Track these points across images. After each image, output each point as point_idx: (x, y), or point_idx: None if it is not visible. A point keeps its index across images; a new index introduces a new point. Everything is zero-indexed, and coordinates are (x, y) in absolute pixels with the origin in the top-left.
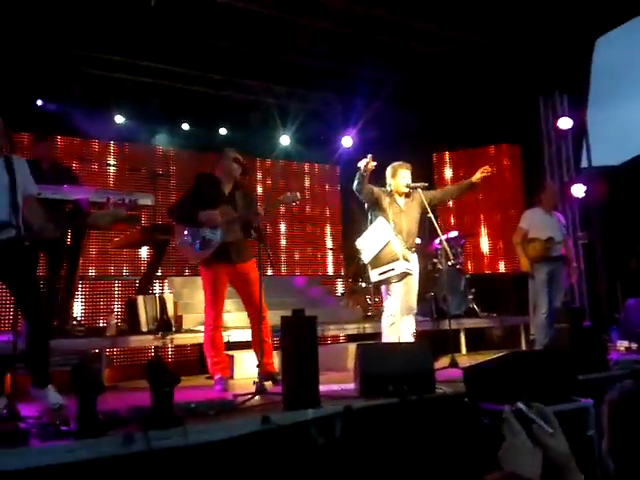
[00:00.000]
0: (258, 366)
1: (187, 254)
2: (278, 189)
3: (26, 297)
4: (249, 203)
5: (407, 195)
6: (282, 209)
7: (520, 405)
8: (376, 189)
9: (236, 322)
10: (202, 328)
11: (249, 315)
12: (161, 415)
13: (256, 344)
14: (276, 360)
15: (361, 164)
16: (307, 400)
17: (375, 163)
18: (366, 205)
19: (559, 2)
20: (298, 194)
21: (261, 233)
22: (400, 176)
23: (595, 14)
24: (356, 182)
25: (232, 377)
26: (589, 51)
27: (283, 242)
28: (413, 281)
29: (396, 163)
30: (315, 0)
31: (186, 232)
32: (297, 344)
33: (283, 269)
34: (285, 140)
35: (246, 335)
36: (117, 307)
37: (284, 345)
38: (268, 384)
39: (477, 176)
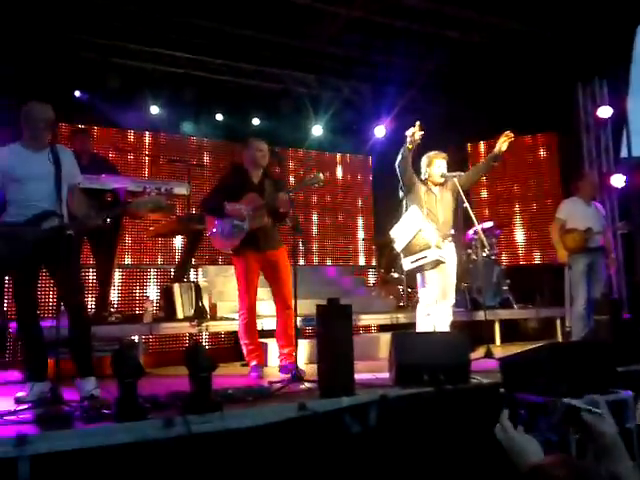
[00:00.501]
0: (280, 358)
1: (217, 244)
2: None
3: (67, 286)
4: (278, 190)
5: (442, 184)
6: (314, 199)
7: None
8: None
9: (269, 310)
10: (236, 316)
11: (276, 304)
12: (200, 400)
13: (279, 334)
14: (305, 350)
15: (408, 132)
16: (342, 388)
17: (422, 132)
18: (401, 194)
19: None
20: (321, 175)
21: (296, 223)
22: (436, 165)
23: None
24: (400, 156)
25: (266, 364)
26: (630, 37)
27: (315, 231)
28: (449, 270)
29: (432, 152)
30: None
31: (216, 222)
32: (332, 332)
33: (315, 259)
34: (317, 130)
35: (274, 324)
36: (153, 295)
37: (319, 333)
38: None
39: (499, 145)
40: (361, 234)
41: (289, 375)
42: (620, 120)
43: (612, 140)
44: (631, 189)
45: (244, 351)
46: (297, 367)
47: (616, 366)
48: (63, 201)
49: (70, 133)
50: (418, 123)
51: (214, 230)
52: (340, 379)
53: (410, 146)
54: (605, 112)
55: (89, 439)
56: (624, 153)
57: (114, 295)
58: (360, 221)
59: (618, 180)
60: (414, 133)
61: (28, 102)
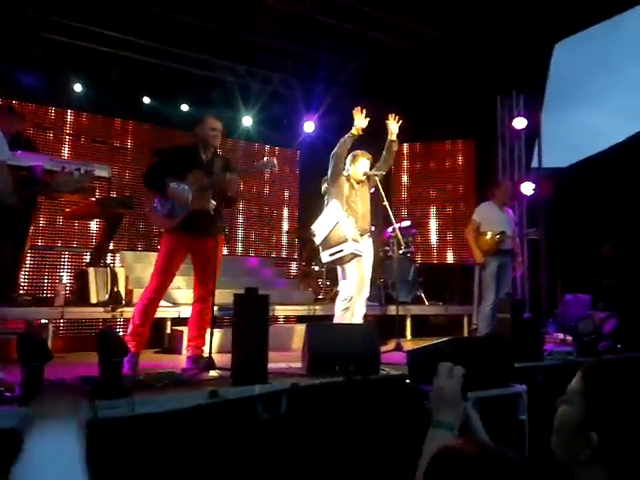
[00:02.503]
0: (188, 349)
1: (155, 221)
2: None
3: None
4: (227, 171)
5: (362, 181)
6: (241, 188)
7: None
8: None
9: (188, 299)
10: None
11: (195, 292)
12: (109, 385)
13: (192, 325)
14: (219, 339)
15: (360, 122)
16: (255, 376)
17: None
18: (323, 188)
19: (521, 4)
20: (275, 160)
21: (218, 208)
22: (360, 163)
23: (555, 18)
24: (340, 143)
25: (180, 353)
26: (548, 54)
27: (240, 221)
28: (365, 264)
29: (358, 151)
30: None
31: (156, 200)
32: (248, 321)
33: (239, 248)
34: (247, 120)
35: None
36: (65, 279)
37: (235, 322)
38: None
39: (390, 129)
40: (285, 226)
41: (195, 365)
42: (534, 132)
43: (525, 151)
44: (539, 197)
45: (129, 331)
46: (210, 355)
47: (514, 362)
48: None
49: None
50: (360, 108)
51: (154, 206)
52: (253, 367)
53: (355, 132)
54: (520, 123)
55: None
56: (535, 163)
57: (24, 277)
58: (285, 213)
59: (528, 188)
60: (359, 116)
61: None
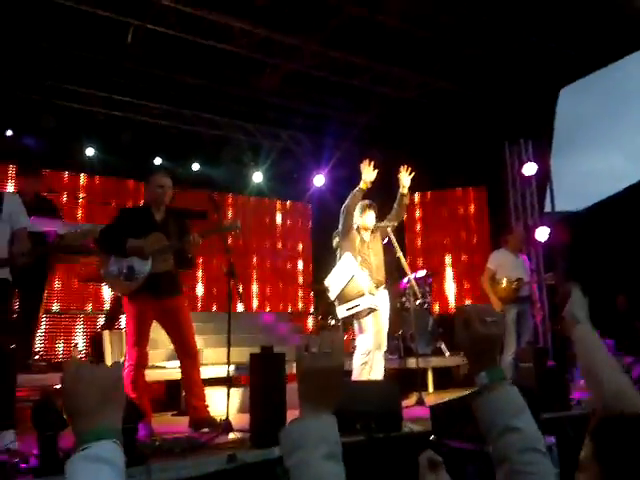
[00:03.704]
0: (188, 411)
1: (113, 286)
2: (251, 225)
3: None
4: (183, 231)
5: (372, 232)
6: (255, 244)
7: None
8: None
9: (205, 359)
10: (169, 364)
11: (178, 354)
12: (125, 453)
13: (186, 386)
14: (237, 398)
15: (368, 176)
16: (274, 438)
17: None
18: (334, 242)
19: (526, 53)
20: (239, 222)
21: (231, 268)
22: (368, 214)
23: (560, 65)
24: (351, 197)
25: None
26: (553, 100)
27: (255, 276)
28: (382, 318)
29: (364, 202)
30: (288, 43)
31: (111, 261)
32: (265, 381)
33: (254, 303)
34: (257, 177)
35: (209, 372)
36: (80, 343)
37: (252, 382)
38: (205, 430)
39: (402, 182)
40: (300, 280)
41: (201, 431)
42: (544, 177)
43: (537, 195)
44: (555, 242)
45: None
46: (227, 418)
47: (540, 412)
48: None
49: (19, 170)
50: (368, 160)
51: (110, 269)
52: (272, 429)
53: (364, 186)
54: (530, 169)
55: None
56: (548, 208)
57: (39, 342)
58: (300, 266)
59: (542, 233)
60: (368, 169)
61: None
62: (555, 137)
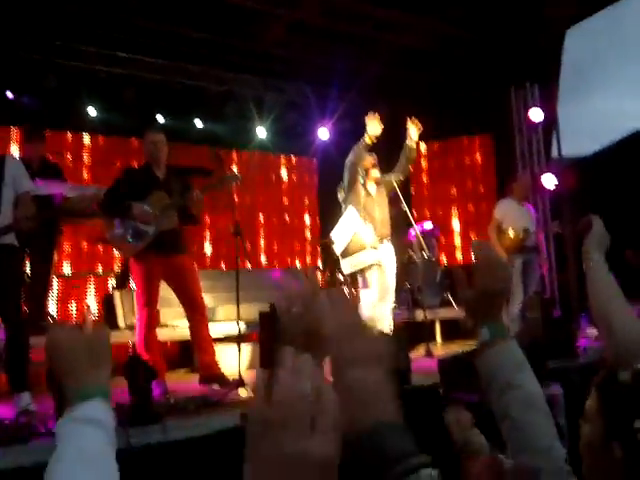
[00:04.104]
0: (198, 368)
1: (120, 248)
2: (255, 181)
3: (5, 301)
4: (185, 187)
5: (378, 184)
6: (261, 199)
7: None
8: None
9: (218, 316)
10: (181, 323)
11: (186, 312)
12: (140, 412)
13: (195, 344)
14: (248, 355)
15: (373, 130)
16: None
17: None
18: (340, 196)
19: None
20: (238, 173)
21: (237, 226)
22: (373, 169)
23: (565, 6)
24: (355, 150)
25: None
26: (560, 42)
27: (262, 232)
28: (387, 272)
29: (365, 160)
30: None
31: (116, 223)
32: (274, 338)
33: (263, 260)
34: (261, 132)
35: (219, 329)
36: (92, 304)
37: (261, 339)
38: (216, 387)
39: (410, 135)
40: (308, 234)
41: (213, 388)
42: (551, 122)
43: (544, 142)
44: (562, 190)
45: None
46: (240, 375)
47: (546, 361)
48: (2, 210)
49: (24, 136)
50: (375, 114)
51: (116, 231)
52: None
53: (369, 141)
54: (536, 115)
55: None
56: (555, 154)
57: (51, 304)
58: (307, 221)
59: (549, 180)
60: (373, 122)
61: None
62: (562, 79)
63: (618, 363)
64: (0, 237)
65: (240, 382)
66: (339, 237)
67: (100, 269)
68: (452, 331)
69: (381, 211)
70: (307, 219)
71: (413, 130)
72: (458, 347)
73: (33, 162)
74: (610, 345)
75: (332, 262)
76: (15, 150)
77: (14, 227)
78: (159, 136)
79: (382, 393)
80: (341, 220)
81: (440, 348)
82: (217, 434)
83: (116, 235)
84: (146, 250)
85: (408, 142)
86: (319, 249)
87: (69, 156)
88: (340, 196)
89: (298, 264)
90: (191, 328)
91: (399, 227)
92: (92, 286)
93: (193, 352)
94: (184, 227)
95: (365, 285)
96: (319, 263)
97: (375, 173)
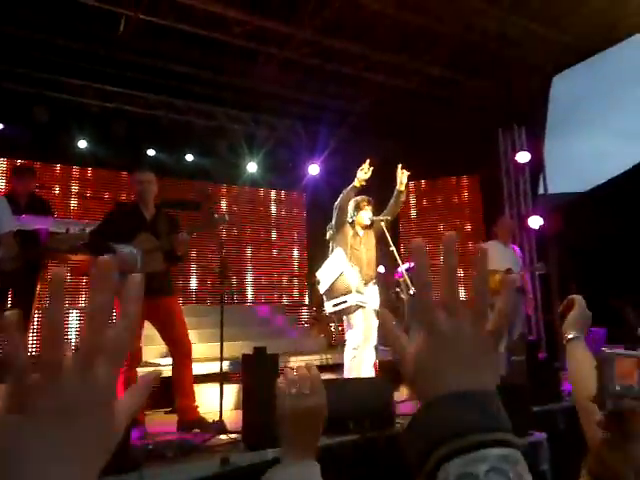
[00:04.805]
0: (177, 411)
1: None
2: (244, 215)
3: None
4: (172, 227)
5: (368, 227)
6: (248, 233)
7: None
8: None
9: (200, 353)
10: (163, 361)
11: (170, 352)
12: (117, 459)
13: (176, 386)
14: (232, 396)
15: (361, 171)
16: (267, 440)
17: (368, 175)
18: (328, 234)
19: (520, 40)
20: (226, 216)
21: (224, 266)
22: (364, 210)
23: (553, 53)
24: (343, 195)
25: None
26: (547, 87)
27: (249, 266)
28: (371, 314)
29: (359, 197)
30: (281, 31)
31: None
32: (258, 382)
33: (249, 296)
34: (252, 167)
35: (202, 368)
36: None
37: (245, 383)
38: (195, 431)
39: (400, 181)
40: (295, 267)
41: (193, 432)
42: (537, 164)
43: (530, 182)
44: (548, 230)
45: None
46: (221, 419)
47: (532, 407)
48: None
49: (14, 170)
50: (368, 162)
51: None
52: (265, 431)
53: (358, 185)
54: (523, 157)
55: None
56: (541, 192)
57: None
58: (295, 254)
59: (534, 222)
60: (364, 172)
61: None
62: (549, 120)
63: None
64: None
65: (221, 426)
66: (324, 277)
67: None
68: None
69: (368, 252)
70: (295, 253)
71: (403, 176)
72: None
73: (21, 198)
74: (589, 428)
75: (319, 298)
76: (0, 182)
77: None
78: (147, 175)
79: None
80: (328, 261)
81: None
82: None
83: None
84: None
85: (398, 186)
86: (306, 284)
87: (58, 188)
88: (328, 234)
89: (285, 299)
90: (174, 369)
91: (387, 265)
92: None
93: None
94: (170, 267)
95: (350, 326)
96: (306, 298)
97: (366, 215)
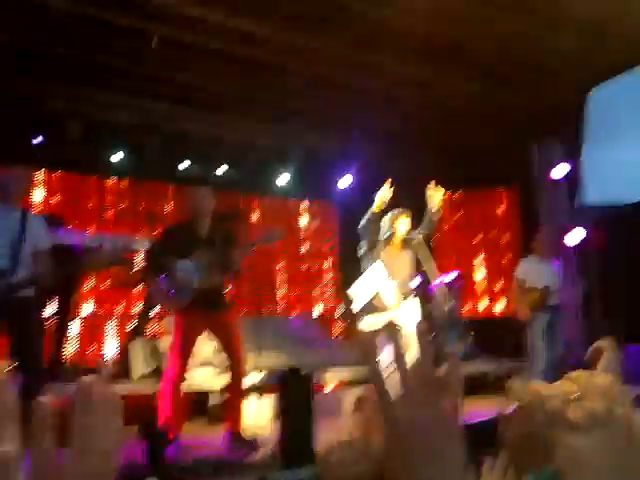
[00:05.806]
0: (227, 425)
1: (163, 302)
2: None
3: (24, 352)
4: (228, 241)
5: (404, 242)
6: (279, 246)
7: None
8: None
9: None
10: (196, 375)
11: (230, 369)
12: (156, 476)
13: (228, 398)
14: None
15: (378, 195)
16: (302, 458)
17: (391, 195)
18: (360, 251)
19: (557, 54)
20: (281, 231)
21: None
22: (400, 224)
23: (592, 65)
24: (365, 220)
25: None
26: (584, 99)
27: (280, 279)
28: (408, 329)
29: (396, 210)
30: (311, 47)
31: (161, 280)
32: (293, 403)
33: (282, 308)
34: (283, 179)
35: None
36: (110, 350)
37: (279, 402)
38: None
39: (433, 202)
40: (328, 281)
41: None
42: (575, 177)
43: (568, 196)
44: (590, 244)
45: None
46: (255, 438)
47: None
48: (21, 264)
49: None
50: (389, 183)
51: (160, 288)
52: (300, 450)
53: (377, 210)
54: (559, 172)
55: None
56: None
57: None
58: (326, 268)
59: (573, 237)
60: (384, 196)
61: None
62: (588, 131)
63: None
64: (19, 290)
65: (255, 445)
66: (360, 294)
67: (120, 312)
68: (474, 384)
69: (404, 269)
70: (327, 266)
71: (435, 195)
72: (481, 401)
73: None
74: None
75: (353, 313)
76: (40, 193)
77: (33, 282)
78: (202, 190)
79: None
80: (364, 276)
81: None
82: None
83: (161, 291)
84: (191, 305)
85: (431, 207)
86: (339, 297)
87: (93, 200)
88: (360, 251)
89: (317, 311)
90: (229, 385)
91: (422, 280)
92: (112, 329)
93: (207, 401)
94: (226, 282)
95: (384, 344)
96: (338, 311)
97: (404, 227)
